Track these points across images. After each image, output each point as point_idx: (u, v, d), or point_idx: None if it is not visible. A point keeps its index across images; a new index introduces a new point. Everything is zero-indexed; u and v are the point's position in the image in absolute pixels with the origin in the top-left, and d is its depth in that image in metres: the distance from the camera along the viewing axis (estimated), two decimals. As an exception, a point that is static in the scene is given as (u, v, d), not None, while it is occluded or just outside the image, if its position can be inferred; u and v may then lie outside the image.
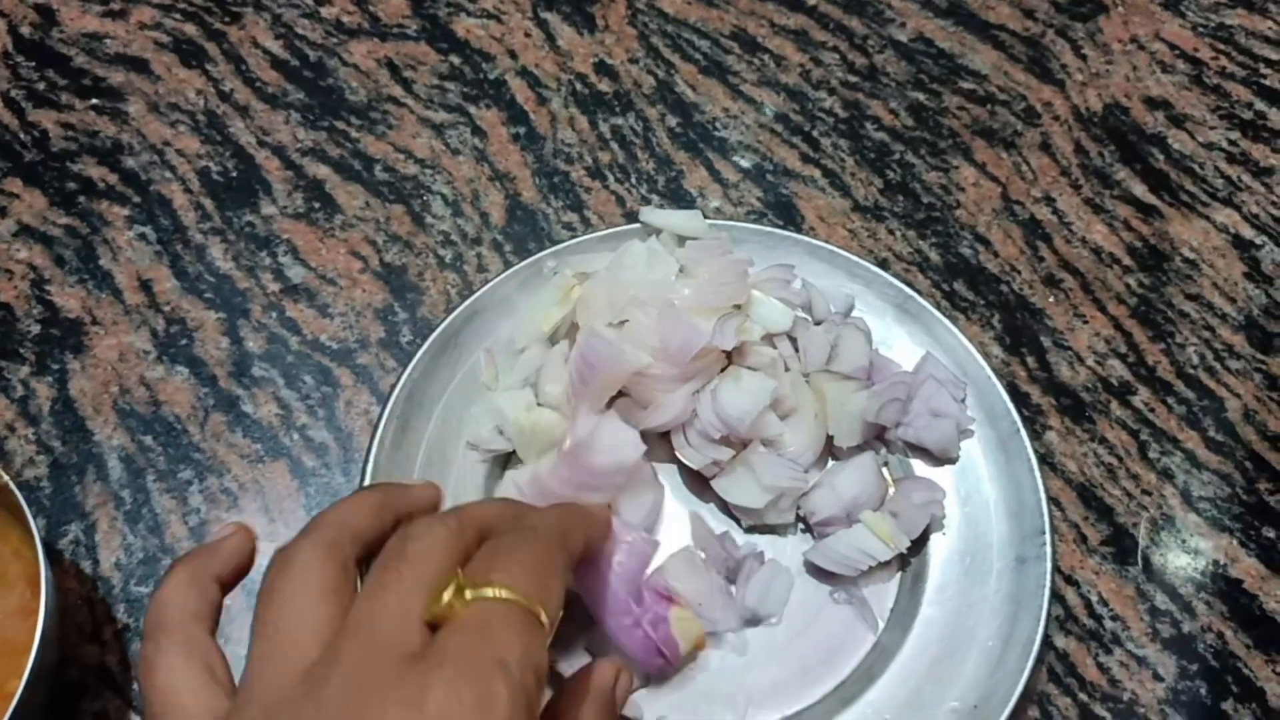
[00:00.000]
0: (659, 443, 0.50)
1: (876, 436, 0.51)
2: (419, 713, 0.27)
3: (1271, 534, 0.51)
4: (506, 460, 0.50)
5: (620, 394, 0.49)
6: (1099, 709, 0.46)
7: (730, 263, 0.51)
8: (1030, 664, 0.44)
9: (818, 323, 0.53)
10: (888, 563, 0.47)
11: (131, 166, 0.61)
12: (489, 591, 0.31)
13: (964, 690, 0.44)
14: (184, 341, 0.55)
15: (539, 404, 0.50)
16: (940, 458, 0.50)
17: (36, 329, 0.55)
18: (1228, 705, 0.47)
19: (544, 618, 0.31)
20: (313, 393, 0.54)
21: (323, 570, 0.32)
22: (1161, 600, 0.49)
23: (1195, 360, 0.55)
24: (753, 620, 0.47)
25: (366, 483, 0.47)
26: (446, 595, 0.30)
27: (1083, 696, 0.47)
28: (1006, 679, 0.44)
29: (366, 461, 0.48)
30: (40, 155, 0.61)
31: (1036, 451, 0.49)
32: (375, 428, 0.49)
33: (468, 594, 0.31)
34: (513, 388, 0.51)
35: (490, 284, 0.52)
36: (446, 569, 0.32)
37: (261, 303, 0.56)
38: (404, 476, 0.48)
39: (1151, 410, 0.54)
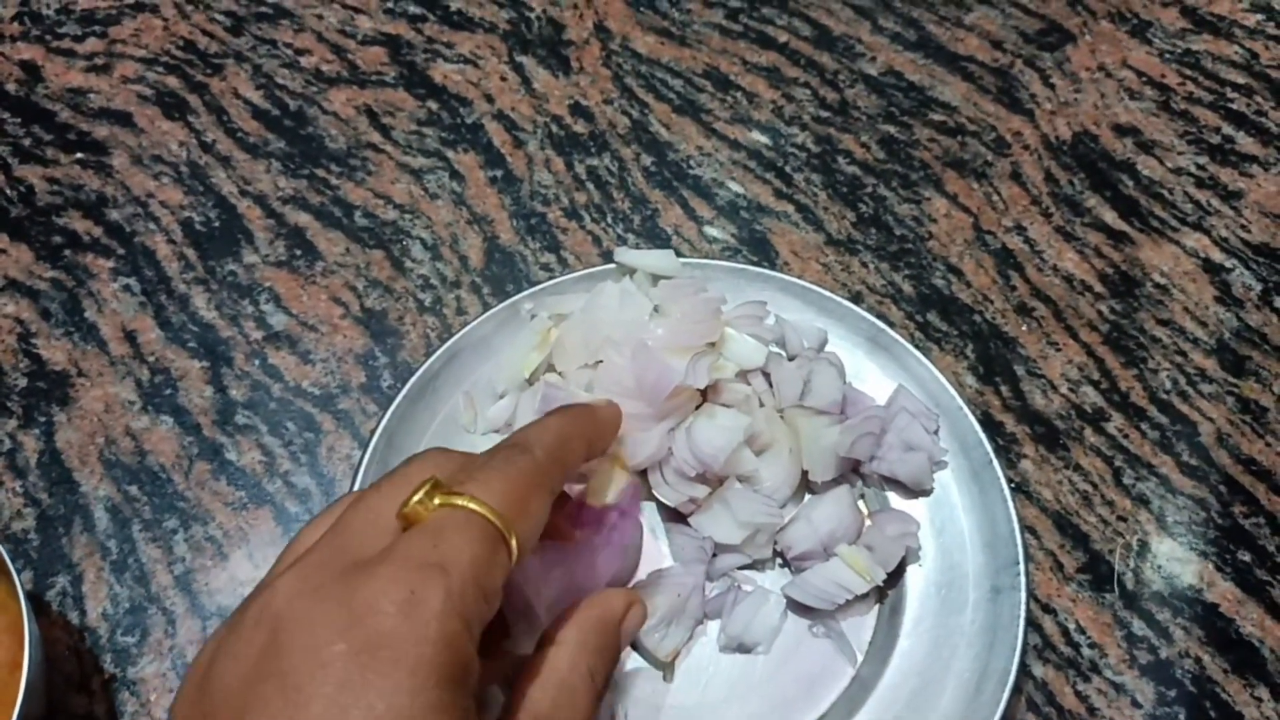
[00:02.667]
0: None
1: (852, 469, 0.51)
2: (346, 608, 0.28)
3: (1247, 557, 0.51)
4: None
5: (597, 434, 0.50)
6: (1078, 737, 0.47)
7: (703, 301, 0.52)
8: (1007, 694, 0.44)
9: (791, 358, 0.53)
10: (865, 595, 0.48)
11: (116, 219, 0.62)
12: (458, 500, 0.31)
13: (942, 721, 0.45)
14: (168, 391, 0.56)
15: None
16: (914, 490, 0.50)
17: (23, 382, 0.56)
18: (1207, 730, 0.47)
19: (511, 539, 0.31)
20: (295, 439, 0.55)
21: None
22: (1139, 626, 0.49)
23: (1168, 385, 0.56)
24: (740, 649, 0.47)
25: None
26: (417, 496, 0.31)
27: (1062, 725, 0.47)
28: (984, 709, 0.44)
29: (347, 507, 0.48)
30: (26, 210, 0.62)
31: (1011, 480, 0.50)
32: (356, 473, 0.49)
33: (436, 499, 0.31)
34: (492, 431, 0.51)
35: (467, 327, 0.53)
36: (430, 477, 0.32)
37: (244, 351, 0.57)
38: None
39: (1125, 436, 0.54)
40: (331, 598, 0.28)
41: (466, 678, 0.29)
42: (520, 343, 0.53)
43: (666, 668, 0.47)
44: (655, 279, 0.54)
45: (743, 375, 0.52)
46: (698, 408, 0.50)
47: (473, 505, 0.31)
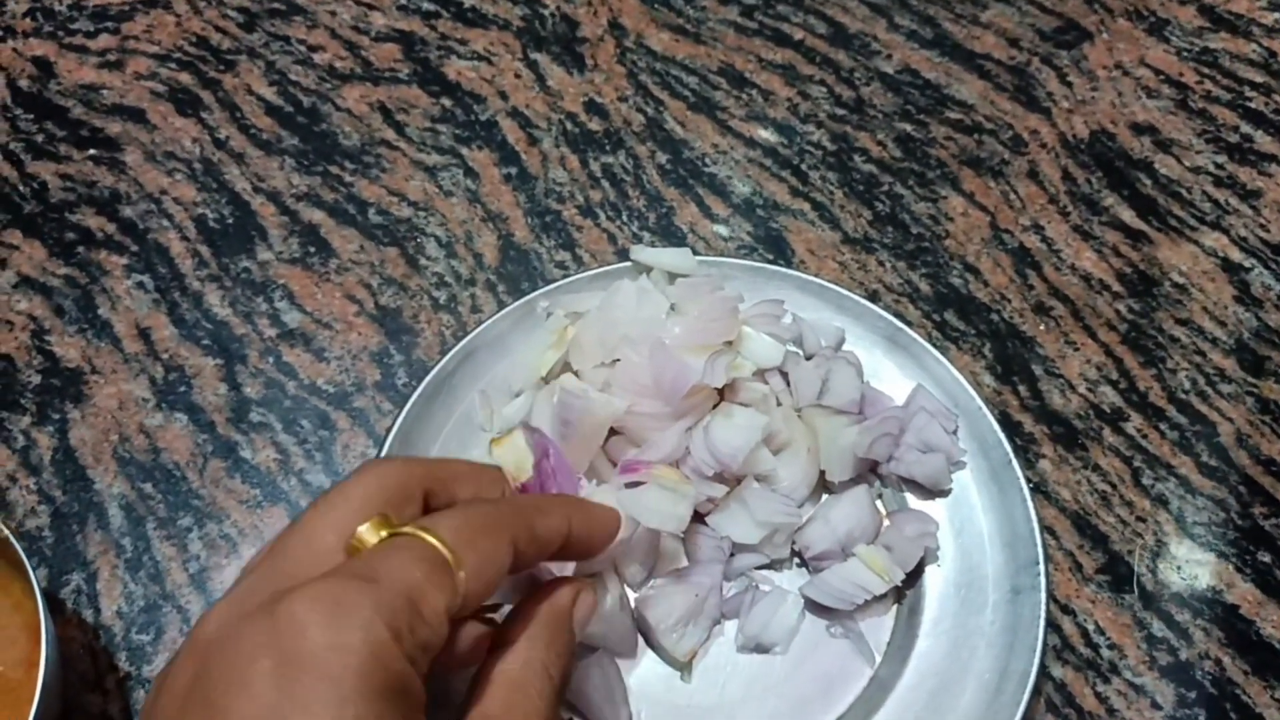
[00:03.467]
0: (653, 481, 0.50)
1: (870, 469, 0.51)
2: (269, 626, 0.27)
3: (1267, 558, 0.51)
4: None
5: (614, 432, 0.50)
6: (1098, 739, 0.46)
7: (720, 299, 0.51)
8: (1027, 695, 0.44)
9: (808, 357, 0.53)
10: (883, 596, 0.48)
11: (129, 216, 0.62)
12: (406, 529, 0.31)
13: (961, 723, 0.44)
14: (182, 389, 0.56)
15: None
16: (933, 490, 0.50)
17: (37, 379, 0.56)
18: (1227, 732, 0.47)
19: (457, 567, 0.30)
20: (310, 437, 0.54)
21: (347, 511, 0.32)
22: (1158, 628, 0.49)
23: (1187, 385, 0.56)
24: (758, 649, 0.47)
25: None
26: (362, 529, 0.31)
27: (1081, 727, 0.47)
28: (1004, 710, 0.44)
29: (363, 506, 0.48)
30: (39, 206, 0.62)
31: (1030, 481, 0.49)
32: (371, 472, 0.49)
33: (383, 532, 0.31)
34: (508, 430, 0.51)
35: (482, 325, 0.53)
36: (372, 504, 0.32)
37: (258, 348, 0.57)
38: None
39: (1144, 436, 0.54)
40: (256, 618, 0.28)
41: (402, 694, 0.28)
42: (536, 341, 0.53)
43: (684, 668, 0.47)
44: (672, 277, 0.54)
45: (760, 374, 0.52)
46: (715, 407, 0.50)
47: (419, 533, 0.30)
